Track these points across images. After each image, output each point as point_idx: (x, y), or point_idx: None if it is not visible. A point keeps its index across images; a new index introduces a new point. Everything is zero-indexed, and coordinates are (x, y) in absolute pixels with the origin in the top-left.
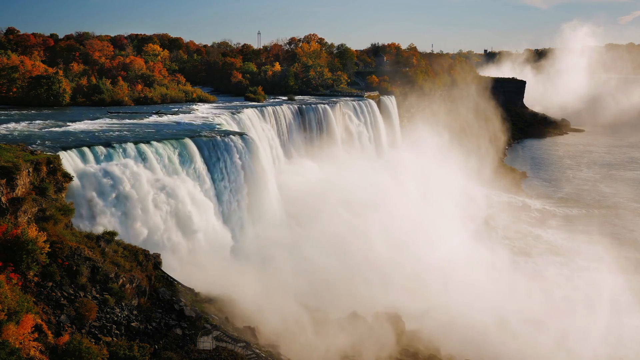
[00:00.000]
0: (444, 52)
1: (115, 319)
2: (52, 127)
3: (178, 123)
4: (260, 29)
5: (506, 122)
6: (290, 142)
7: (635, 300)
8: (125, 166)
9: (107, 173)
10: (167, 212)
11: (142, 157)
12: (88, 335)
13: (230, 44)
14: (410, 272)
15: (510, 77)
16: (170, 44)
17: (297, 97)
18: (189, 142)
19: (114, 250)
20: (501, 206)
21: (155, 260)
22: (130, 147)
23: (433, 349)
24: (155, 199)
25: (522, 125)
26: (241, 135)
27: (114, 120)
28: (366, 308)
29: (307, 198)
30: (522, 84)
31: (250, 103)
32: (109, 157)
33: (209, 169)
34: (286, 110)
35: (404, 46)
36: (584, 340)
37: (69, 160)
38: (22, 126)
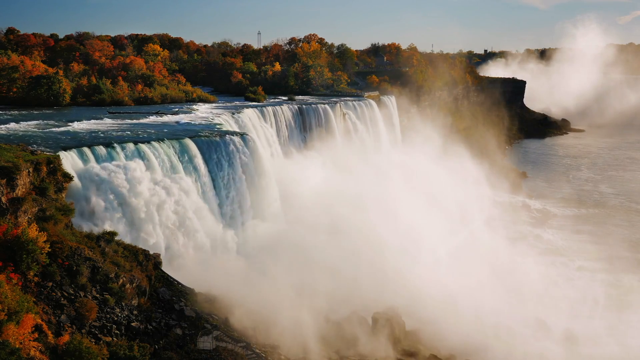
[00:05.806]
0: (444, 52)
1: (115, 319)
2: (52, 127)
3: (178, 123)
4: (260, 29)
5: (506, 122)
6: (290, 141)
7: (636, 300)
8: (125, 166)
9: (107, 173)
10: (167, 212)
11: (142, 157)
12: (88, 335)
13: (230, 44)
14: (410, 272)
15: (510, 77)
16: (170, 44)
17: (297, 97)
18: (189, 142)
19: (114, 250)
20: (501, 206)
21: (155, 260)
22: (130, 147)
23: (433, 349)
24: (155, 198)
25: (522, 125)
26: (241, 135)
27: (114, 120)
28: (366, 308)
29: (307, 197)
30: (522, 84)
31: (250, 103)
32: (109, 157)
33: (209, 169)
34: (286, 110)
35: (404, 46)
36: (584, 341)
37: (69, 160)
38: (22, 126)
